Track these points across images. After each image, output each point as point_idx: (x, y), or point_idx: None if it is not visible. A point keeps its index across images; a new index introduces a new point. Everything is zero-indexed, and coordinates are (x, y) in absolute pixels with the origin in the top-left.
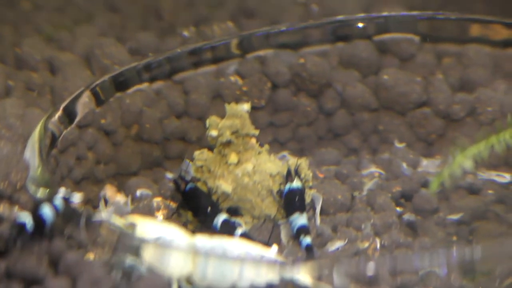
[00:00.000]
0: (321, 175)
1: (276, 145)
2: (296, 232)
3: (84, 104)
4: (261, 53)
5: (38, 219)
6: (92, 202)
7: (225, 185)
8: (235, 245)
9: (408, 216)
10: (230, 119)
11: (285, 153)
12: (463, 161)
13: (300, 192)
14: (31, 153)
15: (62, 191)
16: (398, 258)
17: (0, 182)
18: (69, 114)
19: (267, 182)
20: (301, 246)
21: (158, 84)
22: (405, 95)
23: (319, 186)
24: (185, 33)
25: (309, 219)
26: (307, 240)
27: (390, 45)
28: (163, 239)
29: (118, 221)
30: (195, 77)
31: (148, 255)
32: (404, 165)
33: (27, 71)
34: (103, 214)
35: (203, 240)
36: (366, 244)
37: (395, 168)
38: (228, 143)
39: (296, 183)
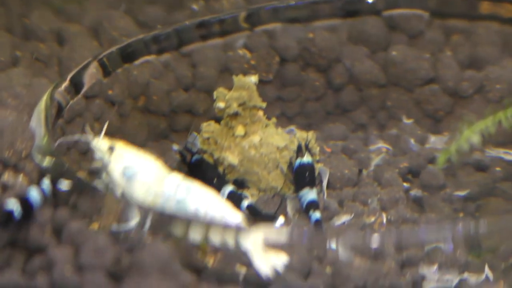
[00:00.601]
0: (328, 150)
1: (284, 120)
2: (305, 207)
3: (92, 75)
4: (269, 27)
5: (25, 203)
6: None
7: (231, 157)
8: (203, 197)
9: (415, 192)
10: (238, 91)
11: (292, 127)
12: (471, 136)
13: (311, 167)
14: (37, 122)
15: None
16: (404, 231)
17: (6, 150)
18: (76, 85)
19: (274, 155)
20: (310, 221)
21: (166, 56)
22: (414, 72)
23: (326, 161)
24: (194, 6)
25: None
26: (316, 215)
27: (399, 21)
28: (130, 168)
29: (102, 142)
30: (203, 50)
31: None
32: (412, 141)
33: (35, 42)
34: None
35: (174, 179)
36: (372, 219)
37: (402, 144)
38: (235, 115)
39: (306, 158)
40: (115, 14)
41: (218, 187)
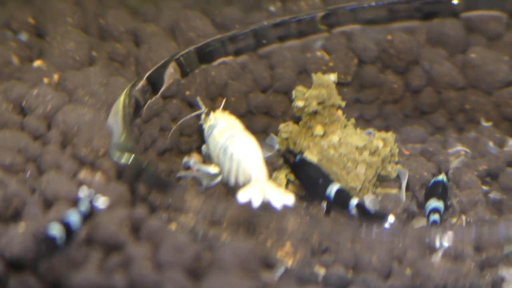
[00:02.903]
0: (406, 152)
1: (362, 122)
2: (428, 212)
3: (170, 75)
4: (347, 28)
5: (66, 227)
6: (174, 174)
7: (310, 157)
8: (241, 146)
9: (494, 195)
10: (317, 89)
11: (370, 129)
12: None
13: (444, 185)
14: (115, 120)
15: (84, 192)
16: (483, 230)
17: (83, 148)
18: (154, 84)
19: (353, 155)
20: (428, 221)
21: (243, 57)
22: (492, 74)
23: (405, 163)
24: (272, 8)
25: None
26: (435, 217)
27: (478, 23)
28: (212, 125)
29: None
30: (281, 51)
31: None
32: (491, 144)
33: (111, 42)
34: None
35: (231, 131)
36: (453, 221)
37: (481, 147)
38: (314, 114)
39: (442, 176)
40: (192, 14)
41: (324, 186)
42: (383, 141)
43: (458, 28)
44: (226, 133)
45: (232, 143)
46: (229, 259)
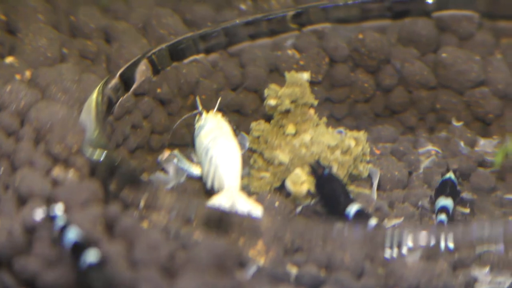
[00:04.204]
0: (377, 152)
1: (332, 121)
2: (437, 210)
3: (141, 72)
4: (319, 27)
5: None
6: (146, 171)
7: (282, 156)
8: (221, 151)
9: (465, 195)
10: (290, 88)
11: (341, 129)
12: None
13: (453, 183)
14: (87, 117)
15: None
16: (456, 229)
17: (56, 145)
18: (125, 81)
19: (325, 154)
20: (436, 220)
21: (215, 55)
22: (464, 74)
23: (376, 162)
24: (242, 6)
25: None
26: (442, 216)
27: (450, 23)
28: (201, 126)
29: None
30: (252, 50)
31: None
32: (462, 143)
33: (82, 39)
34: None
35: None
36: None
37: (452, 147)
38: (286, 113)
39: (449, 174)
40: (163, 12)
41: (345, 205)
42: (355, 140)
43: (430, 27)
44: (211, 134)
45: (214, 146)
46: (204, 258)
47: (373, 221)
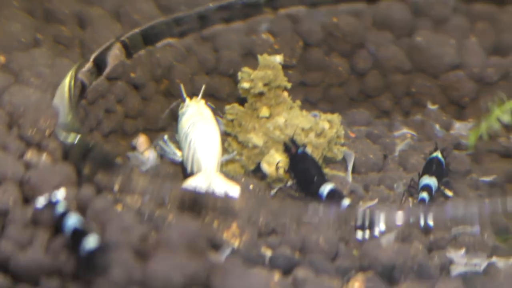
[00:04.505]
0: (352, 135)
1: (307, 105)
2: (420, 189)
3: (115, 56)
4: (293, 10)
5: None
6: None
7: (256, 139)
8: (199, 135)
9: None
10: (263, 70)
11: (316, 112)
12: (501, 115)
13: (438, 161)
14: (61, 101)
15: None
16: (431, 209)
17: (29, 129)
18: (98, 65)
19: (299, 137)
20: (417, 199)
21: (188, 39)
22: (439, 58)
23: (351, 145)
24: None
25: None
26: (423, 195)
27: (424, 7)
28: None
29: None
30: (226, 34)
31: None
32: (437, 126)
33: (56, 25)
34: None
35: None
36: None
37: (427, 130)
38: (260, 95)
39: (436, 153)
40: None
41: (318, 184)
42: (329, 122)
43: (405, 11)
44: (192, 120)
45: (193, 131)
46: (176, 240)
47: (346, 202)
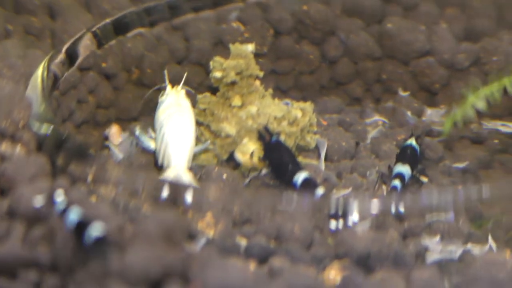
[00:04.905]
0: (324, 123)
1: (278, 93)
2: (392, 177)
3: (86, 46)
4: None
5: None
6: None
7: (228, 128)
8: (173, 129)
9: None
10: (235, 59)
11: (287, 100)
12: (475, 101)
13: (413, 149)
14: (33, 92)
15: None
16: (405, 197)
17: (3, 120)
18: (70, 56)
19: (271, 126)
20: (389, 186)
21: (159, 28)
22: (409, 44)
23: (323, 133)
24: None
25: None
26: (395, 182)
27: None
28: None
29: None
30: (196, 23)
31: None
32: (409, 113)
33: (26, 15)
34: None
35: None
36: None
37: (399, 117)
38: (232, 85)
39: (411, 140)
40: None
41: (293, 172)
42: (301, 111)
43: None
44: (168, 110)
45: (167, 123)
46: (152, 231)
47: (320, 190)
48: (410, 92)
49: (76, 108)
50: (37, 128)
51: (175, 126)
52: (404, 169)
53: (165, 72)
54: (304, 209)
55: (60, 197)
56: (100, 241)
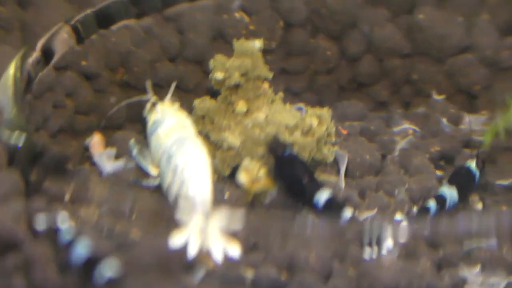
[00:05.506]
0: (344, 132)
1: (289, 96)
2: (434, 197)
3: (63, 42)
4: None
5: None
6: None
7: (231, 138)
8: (187, 157)
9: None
10: (239, 59)
11: (301, 105)
12: None
13: (469, 172)
14: (3, 95)
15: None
16: (439, 223)
17: None
18: (45, 53)
19: (283, 136)
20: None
21: (148, 20)
22: (444, 38)
23: (343, 144)
24: None
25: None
26: (430, 203)
27: None
28: (157, 122)
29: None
30: (192, 13)
31: None
32: (444, 121)
33: None
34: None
35: (180, 134)
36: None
37: (433, 125)
38: (236, 88)
39: (469, 163)
40: None
41: (311, 191)
42: (317, 118)
43: None
44: (174, 135)
45: (179, 153)
46: (144, 260)
47: (347, 212)
48: (446, 95)
49: (51, 113)
50: (7, 137)
51: (192, 158)
52: (448, 192)
53: (148, 82)
54: (322, 233)
55: (65, 223)
56: (114, 283)
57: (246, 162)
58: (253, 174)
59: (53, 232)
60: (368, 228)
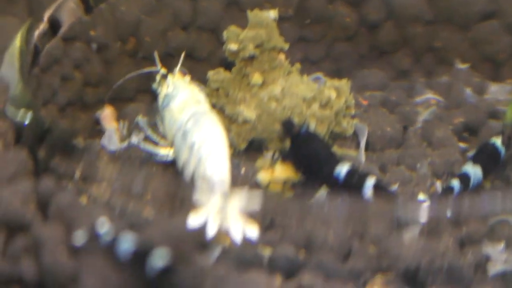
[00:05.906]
0: (364, 102)
1: (307, 65)
2: (458, 175)
3: (71, 11)
4: None
5: None
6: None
7: (247, 112)
8: (204, 135)
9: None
10: (254, 30)
11: (319, 74)
12: None
13: (495, 149)
14: (9, 69)
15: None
16: (463, 200)
17: None
18: (52, 24)
19: (300, 108)
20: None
21: None
22: (468, 4)
23: (363, 116)
24: None
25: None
26: (454, 182)
27: None
28: (168, 96)
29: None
30: None
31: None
32: (468, 90)
33: None
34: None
35: (194, 109)
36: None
37: (456, 95)
38: (251, 59)
39: (495, 139)
40: None
41: (330, 167)
42: (336, 90)
43: None
44: (189, 110)
45: (196, 130)
46: (157, 240)
47: (370, 181)
48: (470, 64)
49: (60, 87)
50: (13, 113)
51: (209, 135)
52: (472, 170)
53: (155, 54)
54: (341, 211)
55: (104, 227)
56: (167, 272)
57: (260, 163)
58: (272, 173)
59: (94, 240)
60: (390, 208)
